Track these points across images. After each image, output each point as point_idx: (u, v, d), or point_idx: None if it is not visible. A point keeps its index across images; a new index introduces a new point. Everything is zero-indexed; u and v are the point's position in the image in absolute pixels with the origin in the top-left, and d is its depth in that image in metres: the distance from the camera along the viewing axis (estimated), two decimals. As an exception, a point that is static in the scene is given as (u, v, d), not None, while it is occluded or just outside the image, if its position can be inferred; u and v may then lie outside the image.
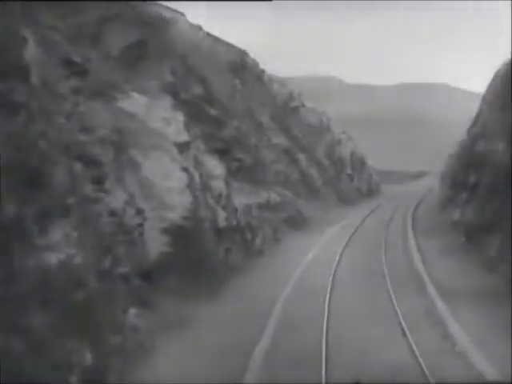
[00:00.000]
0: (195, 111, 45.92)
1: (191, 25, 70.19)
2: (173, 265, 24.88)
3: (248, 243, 35.62)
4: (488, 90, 59.76)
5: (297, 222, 48.95)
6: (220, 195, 32.67)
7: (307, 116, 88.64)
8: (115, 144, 26.85)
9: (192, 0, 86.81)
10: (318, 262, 34.27)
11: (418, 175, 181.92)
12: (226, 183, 34.68)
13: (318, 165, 77.10)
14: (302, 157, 73.44)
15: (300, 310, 24.43)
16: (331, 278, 29.61)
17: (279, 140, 70.59)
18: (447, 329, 21.29)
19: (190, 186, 27.82)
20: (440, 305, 24.31)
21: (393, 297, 25.63)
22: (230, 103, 61.80)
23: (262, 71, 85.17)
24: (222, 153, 46.69)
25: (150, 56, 39.23)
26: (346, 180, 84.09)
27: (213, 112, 50.20)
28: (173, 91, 33.94)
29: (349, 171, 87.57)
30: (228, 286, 28.12)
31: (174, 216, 25.96)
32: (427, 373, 16.90)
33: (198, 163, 30.49)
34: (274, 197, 48.71)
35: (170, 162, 28.05)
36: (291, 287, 28.29)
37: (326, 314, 23.19)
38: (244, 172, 48.37)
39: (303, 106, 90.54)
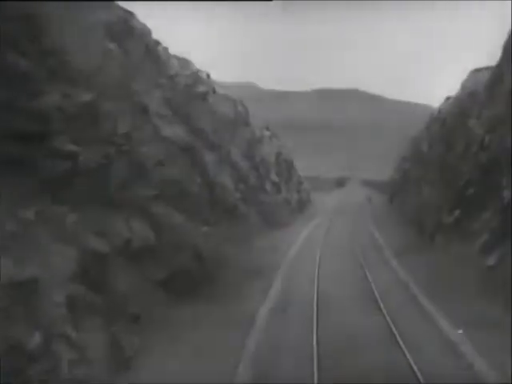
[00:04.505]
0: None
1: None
2: None
3: None
4: (504, 55, 36.00)
5: (192, 284, 22.78)
6: None
7: (219, 105, 62.68)
8: None
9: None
10: None
11: (341, 182, 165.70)
12: None
13: (234, 169, 51.38)
14: (209, 158, 47.43)
15: None
16: None
17: (174, 132, 44.20)
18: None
19: None
20: None
21: None
22: (94, 71, 35.30)
23: (157, 42, 58.72)
24: (28, 139, 20.97)
25: None
26: (271, 191, 58.59)
27: (22, 63, 23.82)
28: None
29: (274, 178, 62.16)
30: None
31: None
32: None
33: None
34: (141, 231, 22.42)
35: None
36: None
37: None
38: (80, 180, 21.81)
39: (214, 92, 64.60)
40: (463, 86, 53.91)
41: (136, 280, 19.45)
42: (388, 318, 20.02)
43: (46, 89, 23.79)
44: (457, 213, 32.78)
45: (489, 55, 50.98)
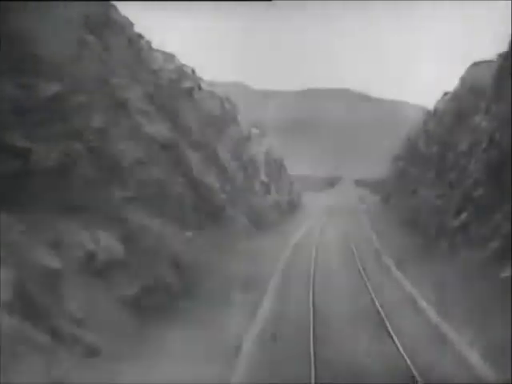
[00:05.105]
0: None
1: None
2: None
3: None
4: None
5: (170, 300, 19.63)
6: None
7: (205, 101, 59.57)
8: None
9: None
10: None
11: (332, 181, 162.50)
12: None
13: (221, 169, 48.17)
14: (194, 157, 44.21)
15: None
16: None
17: (156, 129, 40.95)
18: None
19: None
20: None
21: None
22: (66, 63, 31.99)
23: (139, 36, 55.39)
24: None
25: None
26: (260, 191, 55.46)
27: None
28: None
29: (264, 178, 59.04)
30: None
31: None
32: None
33: None
34: (108, 240, 19.15)
35: None
36: None
37: None
38: (33, 181, 18.46)
39: (199, 88, 61.42)
40: (462, 81, 51.01)
41: (98, 300, 16.20)
42: (401, 349, 16.72)
43: (1, 80, 20.54)
44: (464, 216, 29.70)
45: (489, 53, 48.22)
